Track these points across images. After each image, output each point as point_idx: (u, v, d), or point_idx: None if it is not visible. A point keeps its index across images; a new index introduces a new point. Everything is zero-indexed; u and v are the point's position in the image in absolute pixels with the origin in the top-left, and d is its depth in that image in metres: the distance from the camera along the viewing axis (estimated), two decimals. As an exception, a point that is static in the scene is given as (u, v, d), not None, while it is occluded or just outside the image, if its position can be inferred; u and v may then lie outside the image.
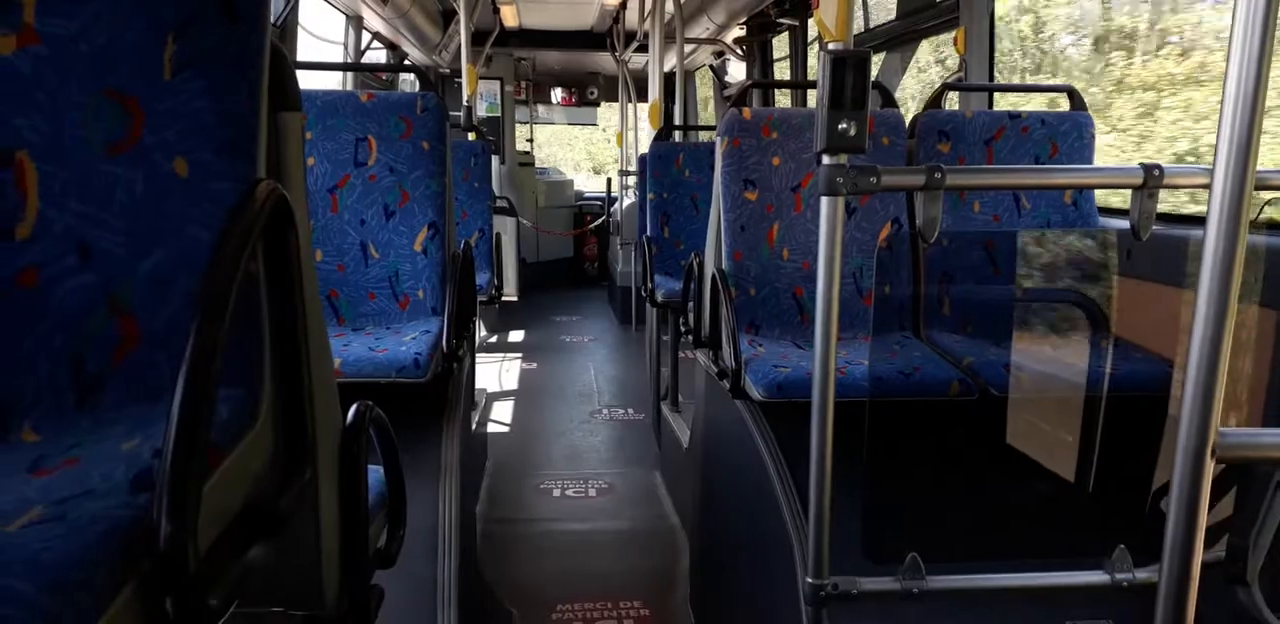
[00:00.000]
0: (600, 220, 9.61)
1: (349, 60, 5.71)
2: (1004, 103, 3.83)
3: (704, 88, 10.16)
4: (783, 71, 6.96)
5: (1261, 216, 2.00)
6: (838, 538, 1.63)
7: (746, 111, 2.72)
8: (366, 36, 6.11)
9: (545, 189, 9.73)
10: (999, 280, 2.70)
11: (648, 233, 4.57)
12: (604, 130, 13.20)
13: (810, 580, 1.64)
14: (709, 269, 2.77)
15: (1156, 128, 3.95)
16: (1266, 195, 1.80)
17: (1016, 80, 5.14)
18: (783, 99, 7.27)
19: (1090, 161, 2.87)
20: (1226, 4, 3.41)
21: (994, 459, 2.13)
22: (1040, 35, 5.13)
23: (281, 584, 1.04)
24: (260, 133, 0.97)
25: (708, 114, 10.26)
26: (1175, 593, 1.01)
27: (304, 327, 0.99)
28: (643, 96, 7.61)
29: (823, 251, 1.55)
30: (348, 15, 5.66)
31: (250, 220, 0.86)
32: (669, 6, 5.77)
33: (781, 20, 6.50)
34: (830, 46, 1.49)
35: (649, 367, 5.00)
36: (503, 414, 5.02)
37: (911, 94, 6.22)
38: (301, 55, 4.37)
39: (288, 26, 4.06)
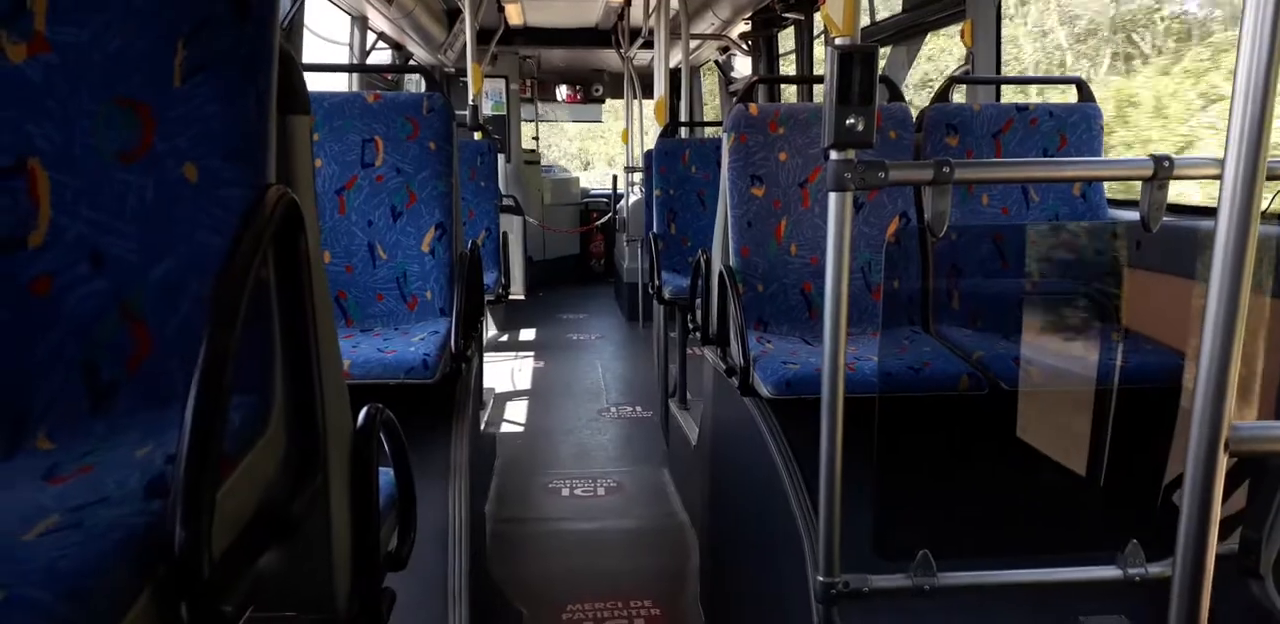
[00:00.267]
0: (606, 217, 9.61)
1: (354, 61, 5.72)
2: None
3: (710, 84, 10.14)
4: (788, 66, 6.95)
5: (1273, 207, 1.98)
6: (848, 535, 1.62)
7: (753, 107, 2.72)
8: (371, 37, 6.11)
9: (551, 187, 9.73)
10: (1008, 274, 2.69)
11: (654, 229, 4.57)
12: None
13: (821, 578, 1.64)
14: (716, 265, 2.76)
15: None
16: (1278, 185, 1.79)
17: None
18: (789, 94, 7.25)
19: (1099, 153, 2.85)
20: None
21: (1004, 454, 2.12)
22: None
23: (294, 588, 1.04)
24: (269, 137, 0.97)
25: (714, 109, 10.24)
26: (1189, 587, 1.00)
27: (315, 331, 0.99)
28: (648, 93, 7.59)
29: (831, 247, 1.55)
30: (352, 16, 5.66)
31: (261, 226, 0.87)
32: (674, 2, 5.76)
33: (787, 15, 6.48)
34: (837, 42, 1.49)
35: (657, 364, 5.00)
36: (511, 413, 5.02)
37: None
38: (307, 57, 4.37)
39: (294, 28, 4.07)
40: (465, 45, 5.33)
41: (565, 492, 3.87)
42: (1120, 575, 1.71)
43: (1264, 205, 0.94)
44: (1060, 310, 2.37)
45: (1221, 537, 1.03)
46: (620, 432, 4.72)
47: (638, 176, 7.45)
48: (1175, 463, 1.87)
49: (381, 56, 6.82)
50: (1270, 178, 1.12)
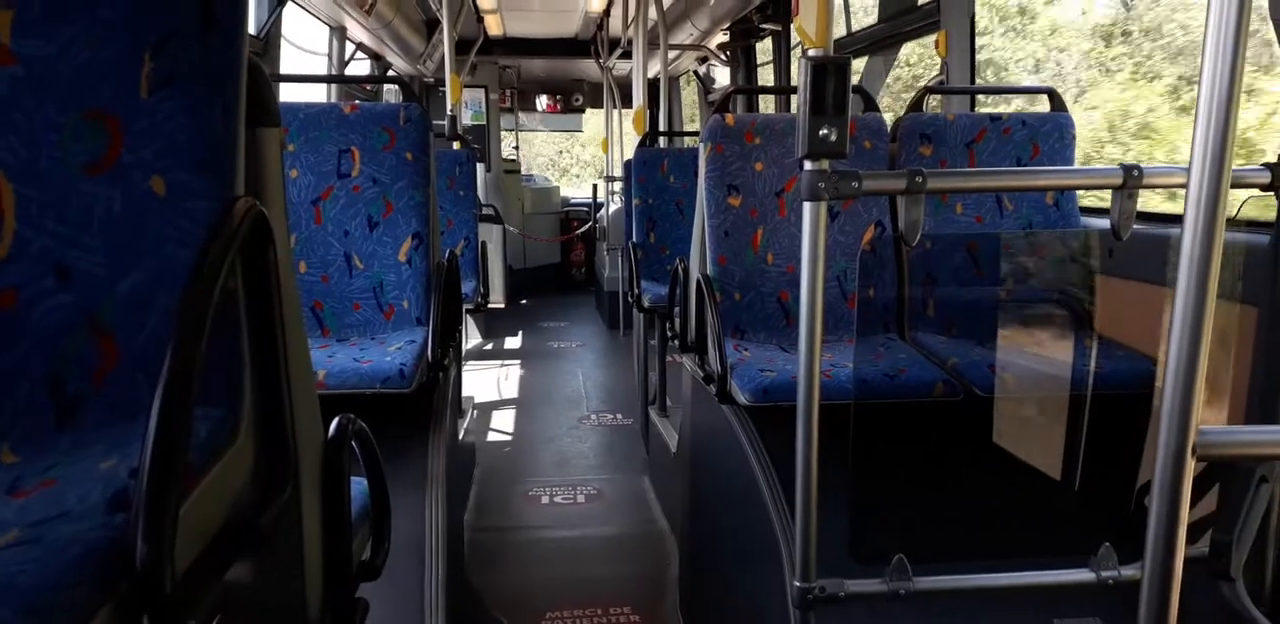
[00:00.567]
0: (587, 226, 9.62)
1: (333, 71, 5.71)
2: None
3: (689, 93, 10.19)
4: (767, 77, 6.99)
5: (1240, 214, 2.02)
6: (825, 540, 1.63)
7: (729, 117, 2.73)
8: (350, 47, 6.10)
9: (531, 196, 9.74)
10: (982, 281, 2.71)
11: (634, 238, 4.58)
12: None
13: (798, 583, 1.65)
14: (694, 274, 2.78)
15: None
16: (1244, 193, 1.82)
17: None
18: (767, 104, 7.30)
19: (1071, 162, 2.89)
20: None
21: (979, 459, 2.14)
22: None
23: (265, 600, 1.04)
24: (238, 150, 0.97)
25: (693, 119, 10.29)
26: (1159, 589, 1.01)
27: (284, 343, 0.99)
28: (627, 103, 7.62)
29: (806, 256, 1.56)
30: (331, 26, 5.65)
31: (228, 238, 0.86)
32: (652, 13, 5.78)
33: (765, 26, 6.53)
34: (810, 53, 1.50)
35: (637, 372, 5.00)
36: (491, 421, 5.01)
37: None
38: (285, 67, 4.36)
39: (271, 38, 4.06)
40: (444, 56, 5.33)
41: (545, 499, 3.86)
42: (1094, 578, 1.72)
43: (1229, 213, 0.96)
44: (1034, 317, 2.39)
45: (1193, 539, 1.05)
46: (600, 439, 4.71)
47: (618, 186, 7.47)
48: (1147, 467, 1.89)
49: (360, 67, 6.81)
50: (1235, 186, 1.14)
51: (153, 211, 0.96)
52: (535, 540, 3.46)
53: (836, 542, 1.70)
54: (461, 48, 6.70)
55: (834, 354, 2.43)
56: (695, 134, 6.05)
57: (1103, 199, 2.95)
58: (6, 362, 0.94)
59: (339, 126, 2.74)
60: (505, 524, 3.60)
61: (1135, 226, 1.67)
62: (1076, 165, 3.00)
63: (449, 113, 5.06)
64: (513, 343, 7.16)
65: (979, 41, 3.78)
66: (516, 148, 10.46)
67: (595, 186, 9.18)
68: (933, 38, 3.91)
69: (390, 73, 7.33)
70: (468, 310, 4.09)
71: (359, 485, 1.31)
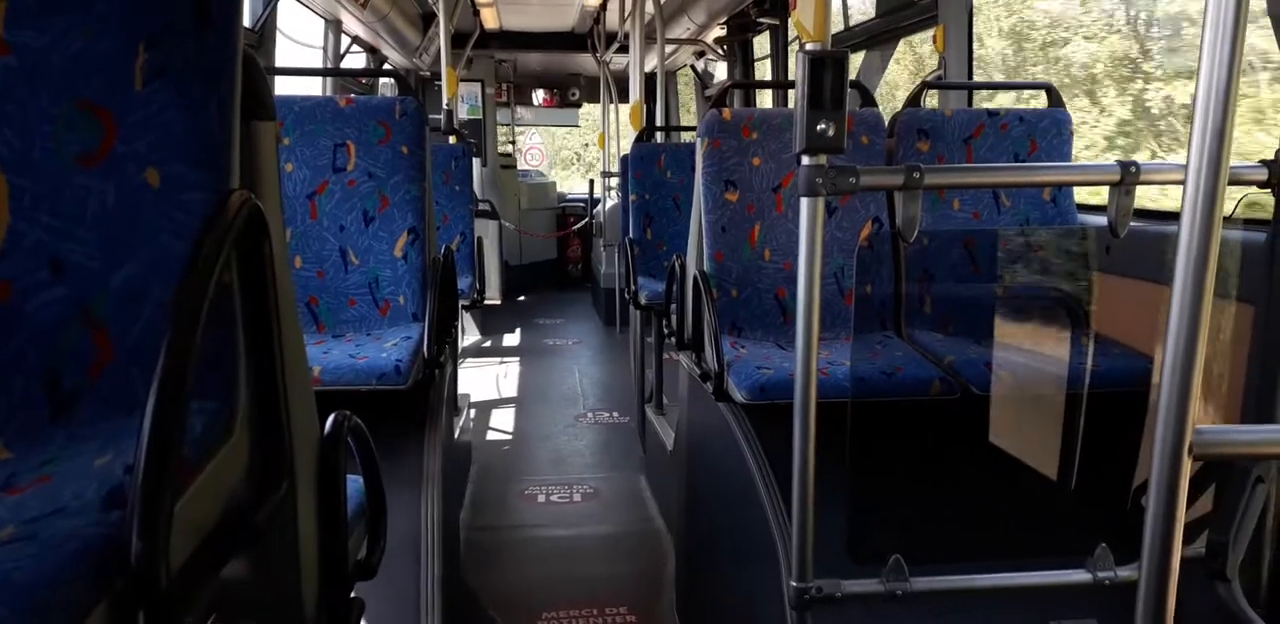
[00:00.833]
0: (583, 222, 9.61)
1: (328, 65, 5.69)
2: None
3: (686, 88, 10.17)
4: (764, 71, 6.98)
5: (1237, 212, 2.01)
6: (822, 540, 1.62)
7: (726, 112, 2.72)
8: (346, 40, 6.08)
9: (527, 191, 9.72)
10: (979, 278, 2.71)
11: (630, 234, 4.57)
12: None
13: (795, 583, 1.64)
14: (691, 271, 2.77)
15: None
16: (1241, 190, 1.81)
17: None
18: (765, 98, 7.28)
19: (1069, 158, 2.88)
20: None
21: (976, 458, 2.13)
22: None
23: (260, 598, 1.03)
24: (233, 143, 0.96)
25: (690, 113, 10.28)
26: (1155, 590, 1.01)
27: (279, 337, 0.99)
28: (624, 97, 7.61)
29: (803, 252, 1.55)
30: (326, 19, 5.63)
31: (223, 231, 0.86)
32: (649, 7, 5.77)
33: (762, 20, 6.52)
34: (808, 47, 1.49)
35: (633, 369, 4.99)
36: (487, 419, 5.00)
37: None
38: (280, 60, 4.34)
39: (266, 31, 4.04)
40: (440, 49, 5.31)
41: (541, 498, 3.85)
42: (1090, 579, 1.72)
43: (1226, 210, 0.95)
44: (1031, 315, 2.39)
45: (1189, 539, 1.04)
46: (597, 437, 4.71)
47: (614, 181, 7.46)
48: (1144, 466, 1.88)
49: (356, 60, 6.79)
50: (1232, 183, 1.13)
51: (147, 204, 0.95)
52: (531, 539, 3.45)
53: (833, 541, 1.69)
54: (458, 41, 6.68)
55: (831, 352, 2.42)
56: (692, 129, 6.06)
57: (1100, 195, 2.94)
58: (1, 356, 0.93)
59: (334, 120, 2.73)
60: (501, 523, 3.60)
61: (1132, 224, 1.66)
62: (1074, 161, 2.99)
63: (445, 107, 5.05)
64: (509, 340, 7.15)
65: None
66: (513, 143, 10.44)
67: (591, 182, 9.17)
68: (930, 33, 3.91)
69: (386, 66, 7.30)
70: (464, 307, 4.08)
71: (354, 483, 1.30)
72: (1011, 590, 1.75)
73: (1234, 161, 1.00)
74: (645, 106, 5.68)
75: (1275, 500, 1.69)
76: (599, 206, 8.25)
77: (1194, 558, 1.70)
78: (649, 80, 6.39)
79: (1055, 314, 2.31)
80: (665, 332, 3.34)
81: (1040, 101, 2.98)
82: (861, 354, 2.39)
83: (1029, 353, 2.33)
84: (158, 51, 0.95)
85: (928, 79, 3.81)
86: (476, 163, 7.42)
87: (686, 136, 7.68)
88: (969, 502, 2.02)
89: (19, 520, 0.75)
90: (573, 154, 20.81)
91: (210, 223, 0.87)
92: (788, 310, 2.69)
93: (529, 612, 2.86)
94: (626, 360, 5.92)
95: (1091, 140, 5.82)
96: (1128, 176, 1.62)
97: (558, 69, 10.24)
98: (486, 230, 6.47)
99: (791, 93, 2.12)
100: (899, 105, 3.00)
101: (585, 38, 8.64)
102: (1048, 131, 2.84)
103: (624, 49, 6.90)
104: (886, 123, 2.83)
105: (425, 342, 2.46)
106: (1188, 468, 0.98)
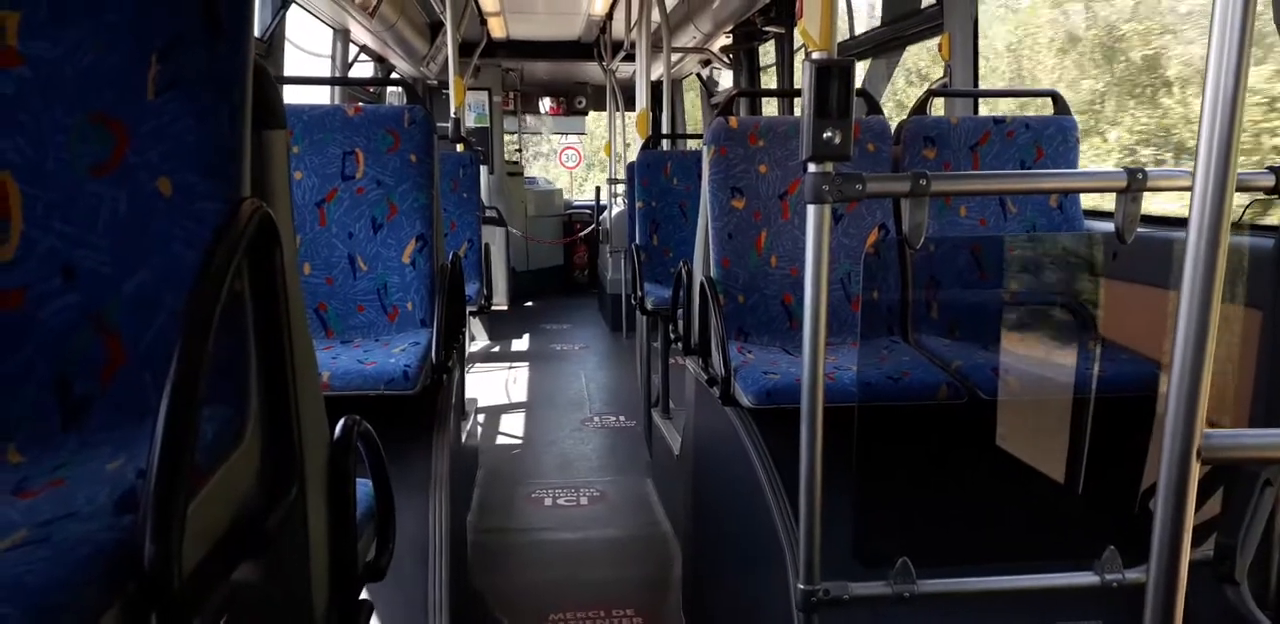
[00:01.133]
0: (589, 229, 9.62)
1: (336, 74, 5.72)
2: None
3: (692, 96, 10.19)
4: (770, 80, 6.99)
5: (1244, 217, 2.01)
6: (829, 543, 1.63)
7: (733, 120, 2.74)
8: (354, 49, 6.11)
9: (534, 198, 9.75)
10: (986, 284, 2.71)
11: (637, 241, 4.58)
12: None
13: (802, 586, 1.64)
14: (697, 277, 2.78)
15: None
16: (1248, 197, 1.81)
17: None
18: (770, 107, 7.30)
19: (1075, 165, 2.88)
20: None
21: (983, 462, 2.13)
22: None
23: (271, 601, 1.04)
24: (244, 152, 0.97)
25: (696, 121, 10.29)
26: (1164, 593, 1.01)
27: (290, 344, 0.99)
28: (630, 106, 7.63)
29: (810, 258, 1.56)
30: (335, 29, 5.66)
31: (234, 239, 0.87)
32: (655, 16, 5.79)
33: (768, 28, 6.53)
34: (814, 56, 1.50)
35: (640, 374, 5.00)
36: (494, 423, 5.01)
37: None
38: (289, 70, 4.37)
39: (275, 41, 4.07)
40: (448, 58, 5.34)
41: (548, 502, 3.86)
42: (1098, 582, 1.72)
43: (1234, 217, 0.96)
44: (1038, 320, 2.39)
45: (1197, 543, 1.04)
46: (603, 441, 4.71)
47: (620, 188, 7.47)
48: (1151, 470, 1.88)
49: (364, 69, 6.82)
50: (1240, 189, 1.13)
51: (159, 212, 0.96)
52: (538, 542, 3.45)
53: (840, 544, 1.70)
54: (465, 50, 6.70)
55: (838, 357, 2.43)
56: (698, 137, 6.08)
57: (1108, 201, 2.95)
58: (14, 362, 0.94)
59: (343, 129, 2.75)
60: (508, 526, 3.60)
61: (1139, 230, 1.67)
62: (1080, 168, 3.00)
63: (453, 115, 5.07)
64: (515, 345, 7.17)
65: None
66: (520, 150, 10.47)
67: (598, 189, 9.19)
68: (936, 41, 3.91)
69: (394, 75, 7.34)
70: (471, 312, 4.09)
71: (363, 487, 1.31)
72: (1019, 593, 1.75)
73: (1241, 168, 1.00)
74: (652, 114, 5.69)
75: None
76: (605, 213, 8.26)
77: (1202, 561, 1.70)
78: (655, 88, 6.41)
79: (1062, 319, 2.32)
80: (672, 337, 3.35)
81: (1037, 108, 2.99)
82: (868, 359, 2.40)
83: (1036, 358, 2.34)
84: (169, 62, 0.96)
85: (933, 87, 3.83)
86: (484, 170, 7.44)
87: (692, 144, 7.70)
88: (976, 505, 2.03)
89: (32, 524, 0.76)
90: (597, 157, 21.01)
91: (222, 232, 0.88)
92: (794, 316, 2.70)
93: (536, 614, 2.86)
94: (633, 365, 5.93)
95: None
96: (1135, 183, 1.62)
97: (564, 77, 10.27)
98: (494, 237, 6.49)
99: (797, 101, 2.12)
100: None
101: (592, 46, 8.67)
102: (1054, 138, 2.84)
103: (630, 57, 6.93)
104: (893, 130, 2.84)
105: (433, 347, 2.47)
106: (1196, 472, 0.98)
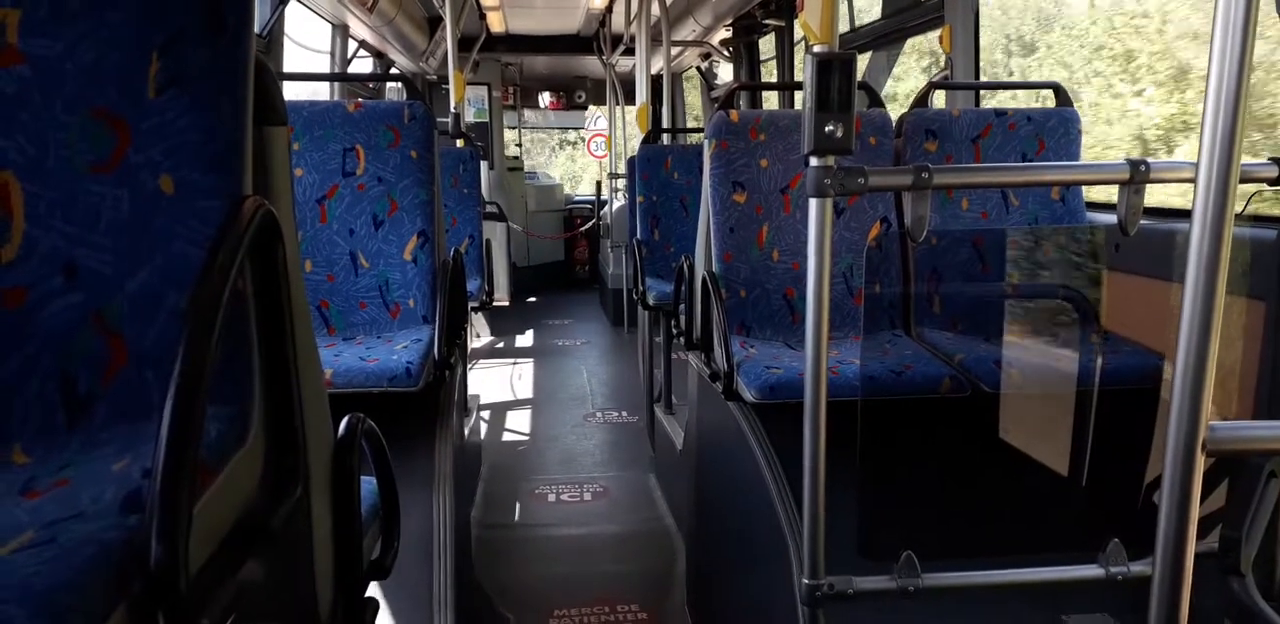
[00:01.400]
0: (590, 224, 9.61)
1: (336, 70, 5.71)
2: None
3: (692, 90, 10.17)
4: (771, 73, 6.98)
5: (1248, 209, 2.01)
6: (833, 538, 1.63)
7: (734, 114, 2.73)
8: (353, 45, 6.10)
9: (535, 193, 9.75)
10: (988, 277, 2.71)
11: (638, 236, 4.58)
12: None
13: (806, 581, 1.64)
14: (699, 271, 2.77)
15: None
16: (1252, 188, 1.81)
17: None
18: (771, 100, 7.29)
19: (1077, 157, 2.88)
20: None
21: (987, 455, 2.13)
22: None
23: (277, 598, 1.04)
24: (245, 149, 0.97)
25: (697, 115, 10.28)
26: (1169, 585, 1.01)
27: (293, 341, 0.99)
28: (630, 100, 7.61)
29: (812, 253, 1.55)
30: (334, 24, 5.65)
31: (237, 237, 0.86)
32: (655, 9, 5.77)
33: (768, 22, 6.51)
34: (815, 49, 1.49)
35: (642, 369, 5.00)
36: (496, 419, 5.01)
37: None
38: (288, 66, 4.36)
39: (274, 37, 4.06)
40: (447, 53, 5.33)
41: (551, 497, 3.86)
42: (1103, 574, 1.72)
43: (1237, 208, 0.95)
44: (1040, 313, 2.39)
45: (1202, 535, 1.04)
46: (606, 437, 4.71)
47: (621, 183, 7.47)
48: (1156, 462, 1.88)
49: (363, 65, 6.81)
50: (1243, 181, 1.13)
51: (161, 210, 0.96)
52: (542, 538, 3.46)
53: (844, 539, 1.69)
54: (464, 45, 6.69)
55: (840, 351, 2.43)
56: (699, 131, 6.07)
57: (1110, 193, 2.94)
58: (17, 361, 0.94)
59: (343, 125, 2.74)
60: (512, 522, 3.61)
61: (1142, 222, 1.66)
62: (1083, 160, 2.99)
63: (453, 110, 5.06)
64: (518, 341, 7.17)
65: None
66: (520, 145, 10.45)
67: (599, 183, 9.18)
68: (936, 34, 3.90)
69: (393, 71, 7.33)
70: (472, 308, 4.09)
71: (368, 484, 1.31)
72: (1024, 586, 1.75)
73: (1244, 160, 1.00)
74: (652, 108, 5.69)
75: None
76: (606, 208, 8.26)
77: (1207, 553, 1.70)
78: (655, 82, 6.40)
79: (1065, 312, 2.31)
80: (674, 332, 3.35)
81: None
82: (871, 353, 2.40)
83: (1039, 350, 2.33)
84: (170, 60, 0.96)
85: (934, 79, 3.82)
86: (484, 166, 7.44)
87: (693, 138, 7.70)
88: (980, 498, 2.02)
89: (38, 524, 0.76)
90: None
91: (224, 229, 0.88)
92: (796, 310, 2.69)
93: (541, 609, 2.87)
94: (635, 360, 5.93)
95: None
96: (1137, 175, 1.62)
97: (564, 72, 10.25)
98: (495, 232, 6.49)
99: (798, 94, 2.11)
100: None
101: (591, 40, 8.65)
102: (1056, 130, 2.84)
103: (630, 51, 6.91)
104: (894, 123, 2.83)
105: (435, 344, 2.47)
106: (1201, 464, 0.98)
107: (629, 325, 7.06)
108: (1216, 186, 0.93)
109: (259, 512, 0.95)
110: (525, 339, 7.22)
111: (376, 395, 2.22)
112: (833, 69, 1.45)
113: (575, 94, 10.54)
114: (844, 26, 5.18)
